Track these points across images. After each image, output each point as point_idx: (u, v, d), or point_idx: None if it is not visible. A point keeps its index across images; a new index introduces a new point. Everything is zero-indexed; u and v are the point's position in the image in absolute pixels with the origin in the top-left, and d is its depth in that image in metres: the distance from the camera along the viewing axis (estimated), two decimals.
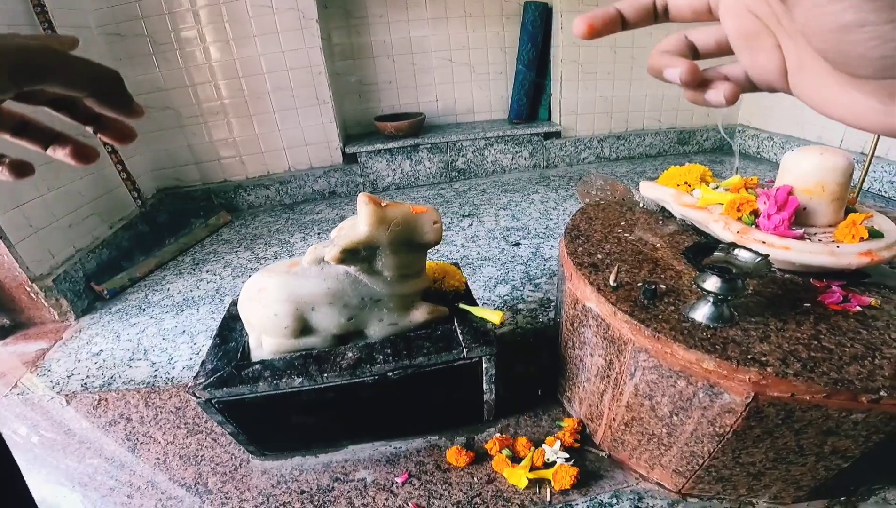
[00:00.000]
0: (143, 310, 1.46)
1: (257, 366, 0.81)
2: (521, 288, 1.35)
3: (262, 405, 0.81)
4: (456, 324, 0.88)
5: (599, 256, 0.82)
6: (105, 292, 1.53)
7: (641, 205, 1.01)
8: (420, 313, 0.88)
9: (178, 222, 1.98)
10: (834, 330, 0.62)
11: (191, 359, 1.20)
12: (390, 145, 2.20)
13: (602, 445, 0.87)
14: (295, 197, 2.25)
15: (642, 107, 2.49)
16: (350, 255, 0.76)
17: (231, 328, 0.92)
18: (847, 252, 0.66)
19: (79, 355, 1.28)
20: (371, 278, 0.81)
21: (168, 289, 1.57)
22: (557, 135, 2.43)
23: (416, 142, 2.22)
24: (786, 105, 2.31)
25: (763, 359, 0.58)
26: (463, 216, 1.90)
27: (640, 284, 0.73)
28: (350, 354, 0.83)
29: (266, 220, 2.07)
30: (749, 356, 0.59)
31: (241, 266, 1.67)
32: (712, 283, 0.60)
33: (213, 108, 2.07)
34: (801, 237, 0.69)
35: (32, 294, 1.39)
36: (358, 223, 0.76)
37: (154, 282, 1.63)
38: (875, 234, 0.69)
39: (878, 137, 0.97)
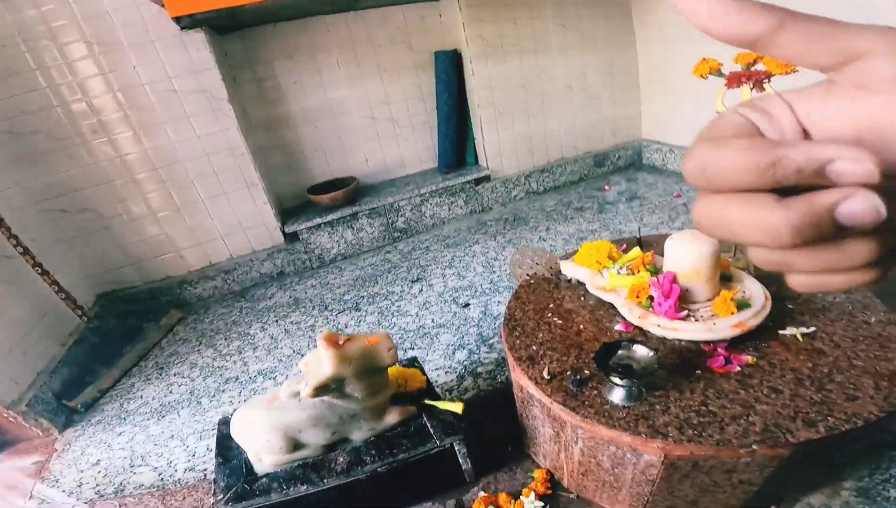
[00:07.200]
0: (124, 419, 1.48)
1: (264, 479, 0.95)
2: (477, 351, 1.46)
3: None
4: (425, 419, 1.01)
5: (534, 347, 0.96)
6: (79, 406, 1.56)
7: (567, 277, 1.16)
8: (392, 417, 1.01)
9: (128, 327, 1.93)
10: (719, 394, 0.79)
11: (188, 461, 1.26)
12: (329, 218, 2.23)
13: (570, 488, 1.02)
14: (243, 283, 2.23)
15: (558, 137, 2.68)
16: (322, 390, 0.87)
17: (228, 447, 1.03)
18: (722, 327, 0.84)
19: (79, 465, 1.33)
20: (344, 401, 0.93)
21: (141, 396, 1.58)
22: (487, 179, 2.57)
23: (355, 210, 2.26)
24: (686, 115, 2.51)
25: (665, 430, 0.74)
26: (412, 282, 1.98)
27: (568, 373, 0.88)
28: (341, 459, 0.97)
29: (220, 312, 2.06)
30: (655, 430, 0.75)
31: (207, 366, 1.66)
32: (618, 385, 0.75)
33: (136, 204, 1.97)
34: (686, 318, 0.86)
35: (11, 419, 1.42)
36: (322, 364, 0.86)
37: (124, 391, 1.63)
38: (743, 305, 0.87)
39: None
